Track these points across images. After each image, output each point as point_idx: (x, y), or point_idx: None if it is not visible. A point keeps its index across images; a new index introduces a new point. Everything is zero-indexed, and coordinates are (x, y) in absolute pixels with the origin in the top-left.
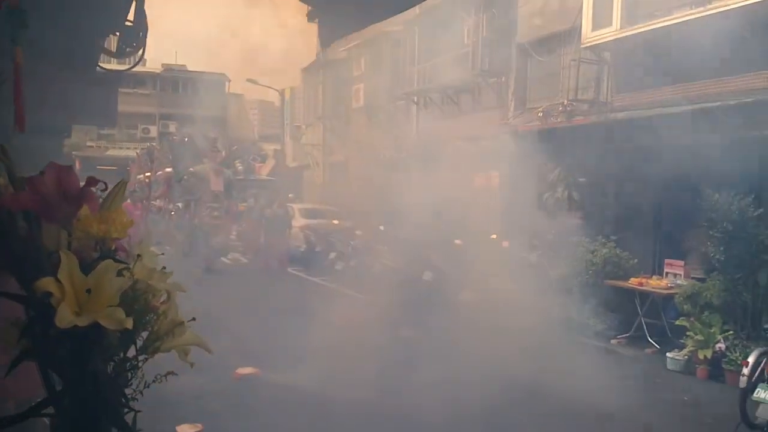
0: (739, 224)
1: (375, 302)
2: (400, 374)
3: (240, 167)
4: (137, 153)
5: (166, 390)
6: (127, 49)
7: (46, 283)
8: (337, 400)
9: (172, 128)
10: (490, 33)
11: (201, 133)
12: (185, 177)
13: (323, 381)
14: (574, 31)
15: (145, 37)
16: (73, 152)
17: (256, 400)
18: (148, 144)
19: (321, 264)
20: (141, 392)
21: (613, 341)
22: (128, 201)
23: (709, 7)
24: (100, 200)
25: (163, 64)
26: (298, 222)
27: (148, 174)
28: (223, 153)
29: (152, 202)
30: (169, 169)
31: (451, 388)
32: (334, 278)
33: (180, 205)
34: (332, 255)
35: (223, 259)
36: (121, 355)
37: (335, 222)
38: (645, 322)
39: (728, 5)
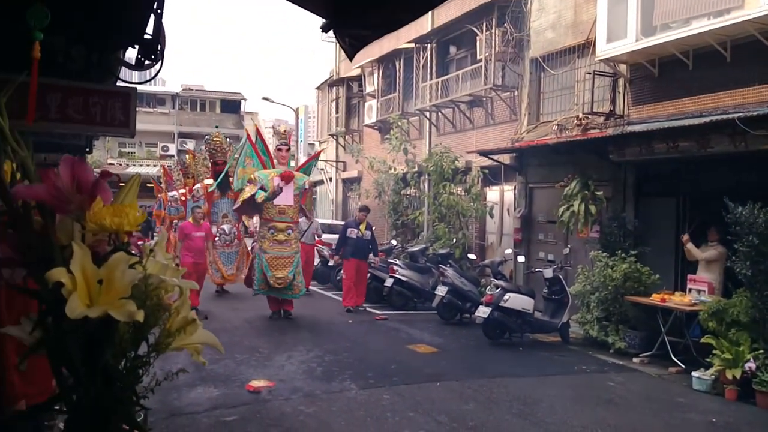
0: (766, 237)
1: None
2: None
3: None
4: (164, 167)
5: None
6: (146, 62)
7: (58, 274)
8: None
9: (190, 146)
10: (503, 47)
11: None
12: (242, 187)
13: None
14: (589, 44)
15: (164, 49)
16: (94, 170)
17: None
18: (186, 155)
19: (334, 279)
20: (152, 390)
21: (635, 360)
22: (189, 220)
23: (728, 17)
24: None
25: (182, 85)
26: None
27: (183, 191)
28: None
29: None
30: (209, 181)
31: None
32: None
33: (225, 228)
34: None
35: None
36: (133, 351)
37: None
38: (668, 340)
39: (747, 15)
